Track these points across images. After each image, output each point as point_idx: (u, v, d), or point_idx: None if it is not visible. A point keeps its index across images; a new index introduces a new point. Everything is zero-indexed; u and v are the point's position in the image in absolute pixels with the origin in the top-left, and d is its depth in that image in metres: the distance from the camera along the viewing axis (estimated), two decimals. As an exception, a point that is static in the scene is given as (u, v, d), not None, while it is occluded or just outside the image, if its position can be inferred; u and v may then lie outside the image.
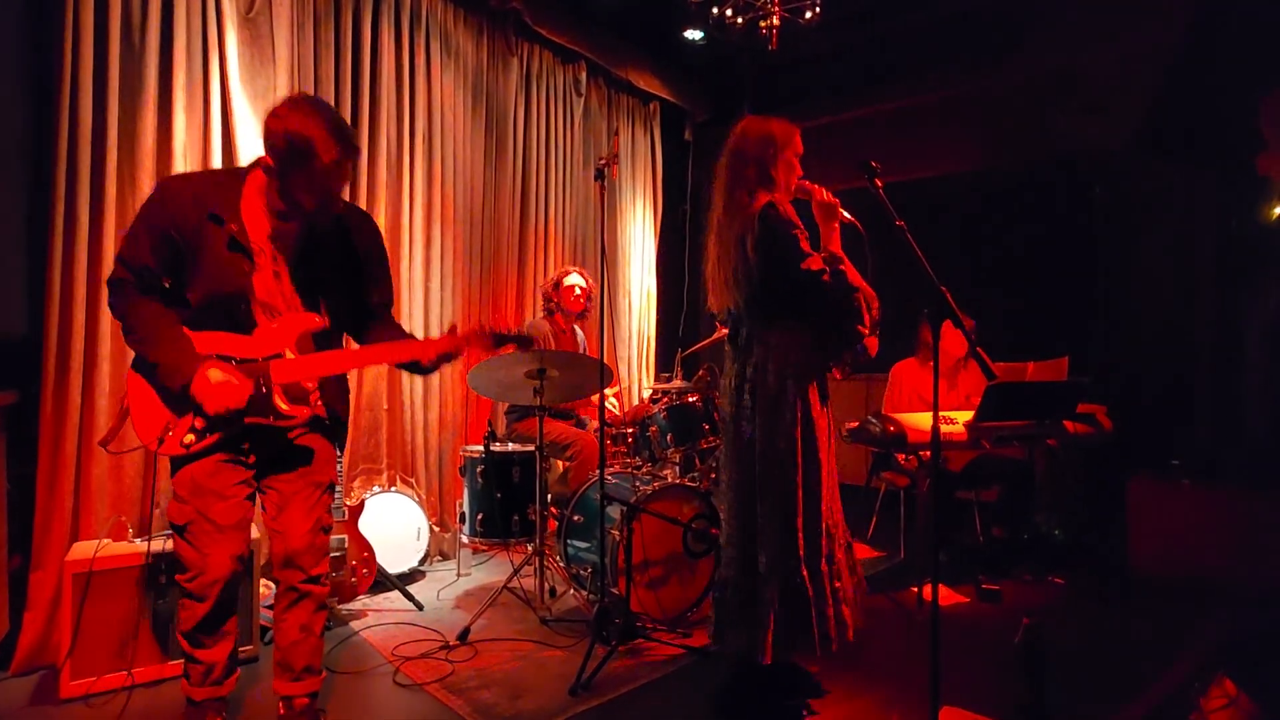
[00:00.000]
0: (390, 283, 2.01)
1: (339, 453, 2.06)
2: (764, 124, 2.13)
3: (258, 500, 1.90)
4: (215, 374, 1.66)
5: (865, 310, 2.04)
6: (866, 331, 2.05)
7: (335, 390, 1.90)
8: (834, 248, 2.09)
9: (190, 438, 1.72)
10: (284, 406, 1.76)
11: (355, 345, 1.97)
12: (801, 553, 1.98)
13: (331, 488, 1.95)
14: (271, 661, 1.91)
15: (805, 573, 1.98)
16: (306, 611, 1.88)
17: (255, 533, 2.16)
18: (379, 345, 1.89)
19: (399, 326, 2.01)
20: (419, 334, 3.56)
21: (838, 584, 2.04)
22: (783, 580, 1.98)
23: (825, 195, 2.12)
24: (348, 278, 1.86)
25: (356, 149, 1.72)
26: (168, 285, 1.73)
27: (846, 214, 2.13)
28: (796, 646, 1.98)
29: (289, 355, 1.75)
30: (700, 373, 3.75)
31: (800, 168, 2.15)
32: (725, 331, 2.27)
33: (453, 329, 1.89)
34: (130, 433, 1.81)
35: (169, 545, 2.12)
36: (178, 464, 1.76)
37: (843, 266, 2.04)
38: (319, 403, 1.86)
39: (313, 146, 1.62)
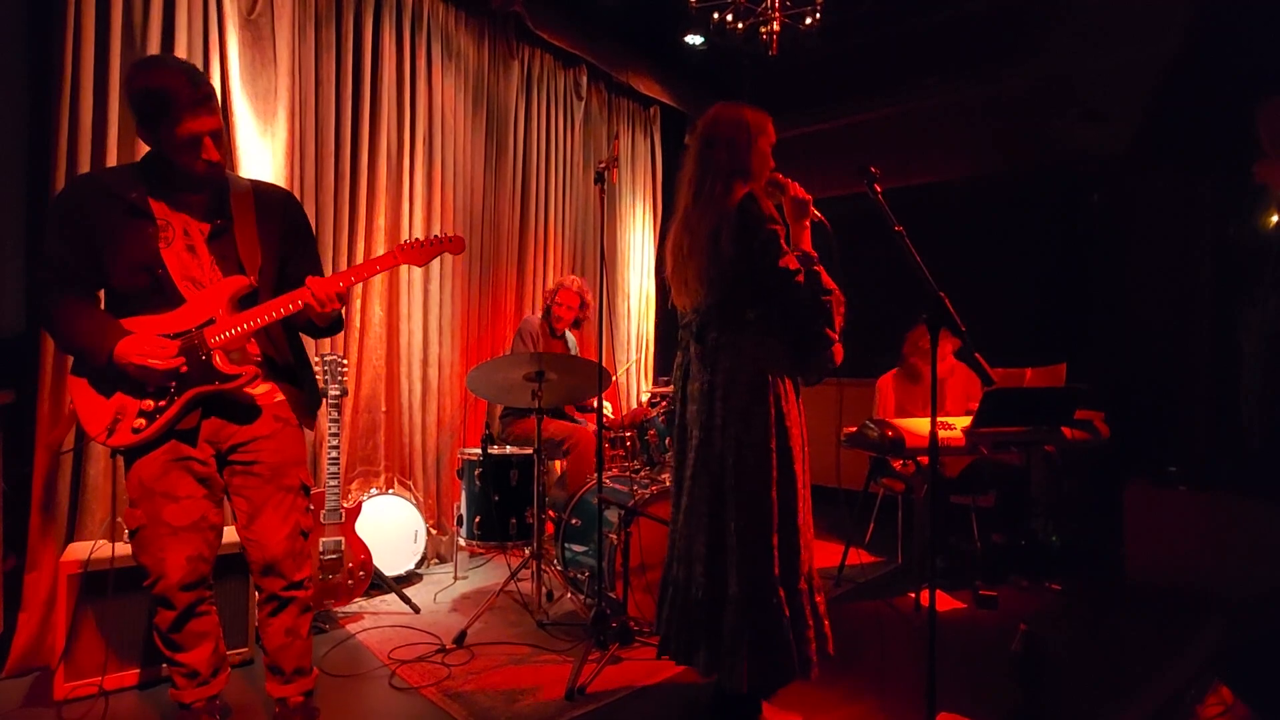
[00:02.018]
0: (315, 259, 1.98)
1: (309, 431, 2.02)
2: (736, 109, 2.01)
3: (228, 506, 1.88)
4: (137, 337, 1.66)
5: (836, 314, 1.95)
6: (835, 336, 1.96)
7: (283, 343, 1.89)
8: (805, 246, 1.99)
9: (140, 422, 1.69)
10: (225, 367, 1.74)
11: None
12: (778, 574, 1.87)
13: (304, 490, 1.91)
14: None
15: (782, 594, 1.87)
16: (291, 616, 1.87)
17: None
18: (297, 290, 1.80)
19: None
20: (419, 335, 3.57)
21: (819, 598, 1.95)
22: (758, 605, 1.86)
23: (799, 191, 2.01)
24: (266, 251, 1.84)
25: (211, 89, 1.70)
26: (91, 279, 1.73)
27: (817, 212, 2.04)
28: (775, 674, 1.87)
29: (220, 318, 1.74)
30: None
31: (773, 159, 2.03)
32: None
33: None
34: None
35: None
36: (130, 464, 1.74)
37: (816, 267, 1.95)
38: (264, 354, 1.84)
39: (167, 93, 1.61)
